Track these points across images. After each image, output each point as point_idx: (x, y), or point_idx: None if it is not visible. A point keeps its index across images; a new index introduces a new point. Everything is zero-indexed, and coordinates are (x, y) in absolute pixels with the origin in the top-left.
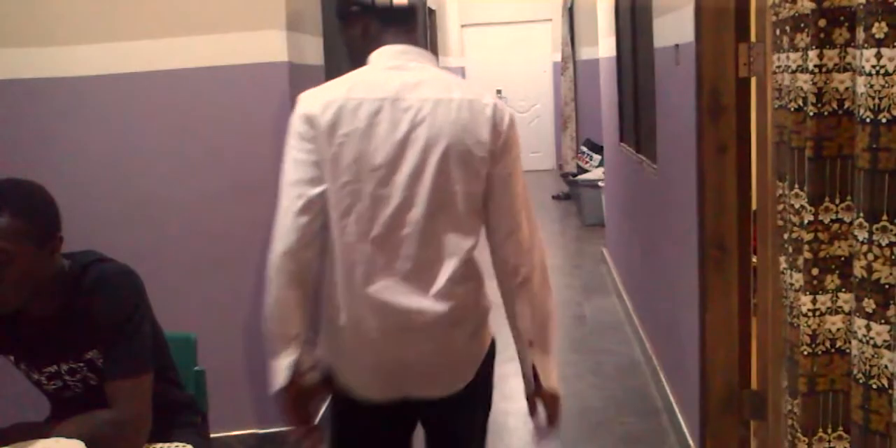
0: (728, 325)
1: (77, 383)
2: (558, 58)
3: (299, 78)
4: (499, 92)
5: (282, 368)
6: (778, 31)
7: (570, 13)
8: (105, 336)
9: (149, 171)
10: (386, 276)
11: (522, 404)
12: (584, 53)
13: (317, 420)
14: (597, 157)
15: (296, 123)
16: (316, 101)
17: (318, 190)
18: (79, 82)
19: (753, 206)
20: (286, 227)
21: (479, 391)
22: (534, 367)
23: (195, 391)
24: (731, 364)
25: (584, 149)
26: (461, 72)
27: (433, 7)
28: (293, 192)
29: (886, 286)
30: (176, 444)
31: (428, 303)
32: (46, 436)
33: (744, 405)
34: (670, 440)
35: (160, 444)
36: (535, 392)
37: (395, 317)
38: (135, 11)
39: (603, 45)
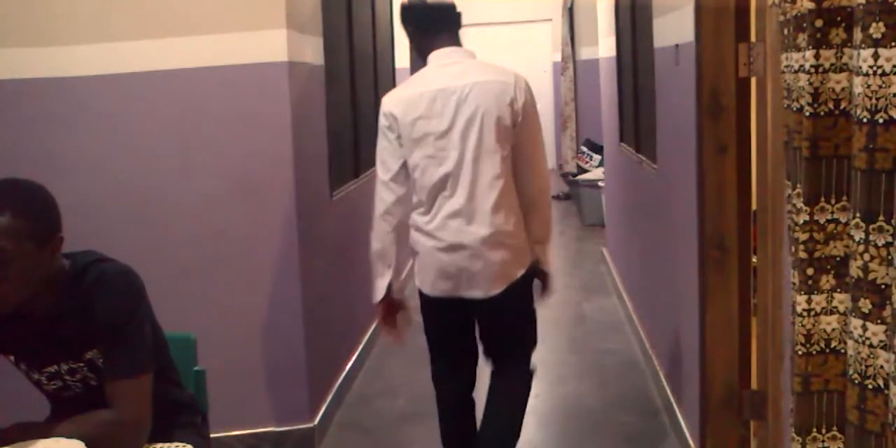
0: (728, 325)
1: (77, 383)
2: (558, 58)
3: (299, 78)
4: None
5: (381, 287)
6: (786, 31)
7: (570, 13)
8: (105, 336)
9: (148, 171)
10: (446, 211)
11: None
12: (584, 53)
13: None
14: (597, 157)
15: (381, 118)
16: (391, 100)
17: (401, 163)
18: (79, 82)
19: (753, 206)
20: (383, 193)
21: (512, 302)
22: (538, 258)
23: (195, 391)
24: (731, 364)
25: (584, 149)
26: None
27: None
28: (385, 168)
29: (883, 286)
30: (176, 444)
31: (473, 228)
32: (47, 436)
33: (744, 405)
34: (670, 440)
35: (160, 444)
36: (539, 273)
37: (451, 239)
38: (135, 11)
39: (603, 45)
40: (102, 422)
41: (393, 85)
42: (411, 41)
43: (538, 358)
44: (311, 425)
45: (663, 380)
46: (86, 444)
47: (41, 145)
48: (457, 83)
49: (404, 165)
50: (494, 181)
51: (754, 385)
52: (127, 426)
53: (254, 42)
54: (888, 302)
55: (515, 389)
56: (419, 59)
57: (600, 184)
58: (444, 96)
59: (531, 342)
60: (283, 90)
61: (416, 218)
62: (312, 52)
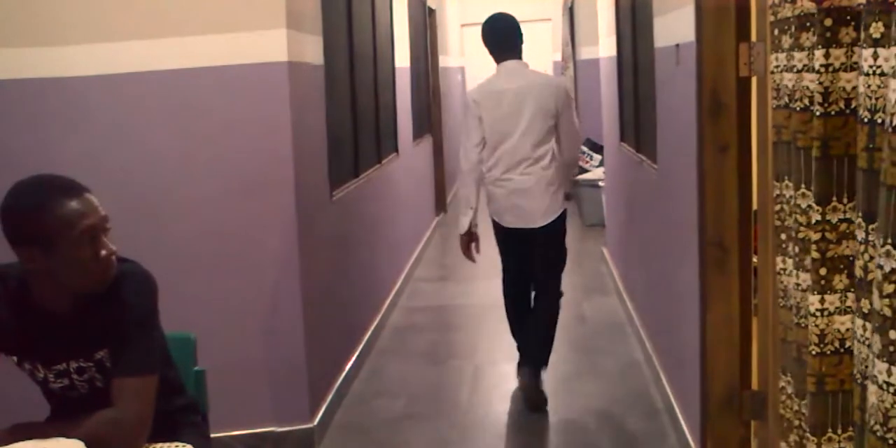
0: (728, 326)
1: (83, 383)
2: (558, 57)
3: (299, 78)
4: None
5: (465, 223)
6: (777, 31)
7: (570, 13)
8: (119, 333)
9: (148, 171)
10: (510, 167)
11: (521, 406)
12: (585, 53)
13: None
14: (597, 157)
15: (469, 103)
16: (477, 92)
17: (481, 136)
18: (78, 82)
19: (753, 206)
20: (469, 155)
21: (555, 229)
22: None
23: (195, 391)
24: (732, 364)
25: (585, 148)
26: (461, 71)
27: (433, 7)
28: (469, 138)
29: None
30: (176, 444)
31: (527, 178)
32: (48, 435)
33: (744, 405)
34: (670, 440)
35: (160, 444)
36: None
37: (514, 185)
38: (134, 12)
39: (603, 45)
40: (104, 420)
41: (393, 85)
42: (490, 52)
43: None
44: (311, 425)
45: (664, 380)
46: (86, 443)
47: (41, 145)
48: (518, 85)
49: (483, 137)
50: (541, 150)
51: (754, 385)
52: (128, 425)
53: (254, 42)
54: None
55: (551, 308)
56: (495, 62)
57: (600, 184)
58: (510, 94)
59: (563, 261)
60: (283, 90)
61: (490, 174)
62: (312, 52)
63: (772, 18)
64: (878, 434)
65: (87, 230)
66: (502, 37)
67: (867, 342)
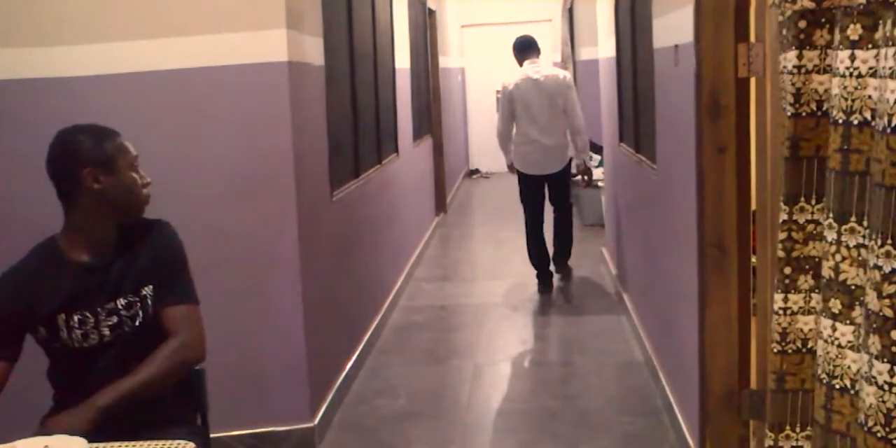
0: (727, 325)
1: (128, 320)
2: (558, 58)
3: (299, 78)
4: (499, 92)
5: (508, 159)
6: (784, 31)
7: (570, 13)
8: (166, 270)
9: (148, 171)
10: (534, 131)
11: (522, 405)
12: (584, 54)
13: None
14: (596, 158)
15: (503, 91)
16: (511, 82)
17: (512, 114)
18: (78, 82)
19: (753, 206)
20: (502, 127)
21: (565, 173)
22: (583, 162)
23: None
24: (731, 364)
25: None
26: (461, 72)
27: (433, 7)
28: (503, 116)
29: (853, 287)
30: (176, 442)
31: (547, 139)
32: (131, 392)
33: (743, 405)
34: (670, 440)
35: (160, 443)
36: (582, 169)
37: (536, 144)
38: (134, 11)
39: (602, 46)
40: (175, 348)
41: (393, 85)
42: (515, 56)
43: (540, 358)
44: (311, 425)
45: (663, 379)
46: (165, 379)
47: (41, 145)
48: (538, 76)
49: (513, 114)
50: (555, 122)
51: (754, 385)
52: (193, 347)
53: (254, 42)
54: (857, 303)
55: (568, 219)
56: (517, 64)
57: (600, 184)
58: (532, 83)
59: (569, 189)
60: (283, 90)
61: (518, 139)
62: (312, 52)
63: (780, 18)
64: (879, 435)
65: (133, 158)
66: (526, 46)
67: (836, 342)
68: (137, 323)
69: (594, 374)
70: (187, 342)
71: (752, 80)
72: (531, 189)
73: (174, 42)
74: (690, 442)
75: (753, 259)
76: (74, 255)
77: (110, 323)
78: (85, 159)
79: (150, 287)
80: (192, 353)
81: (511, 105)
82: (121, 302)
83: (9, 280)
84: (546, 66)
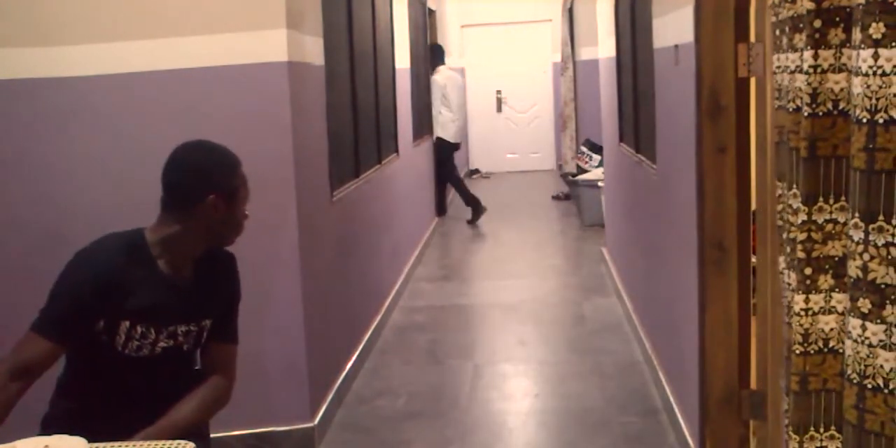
0: (728, 325)
1: (182, 345)
2: (558, 58)
3: (299, 78)
4: (499, 92)
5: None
6: (777, 32)
7: (570, 13)
8: (230, 306)
9: (148, 171)
10: (455, 114)
11: (522, 405)
12: (584, 54)
13: None
14: (596, 158)
15: (434, 84)
16: (441, 78)
17: (441, 99)
18: (78, 82)
19: (753, 206)
20: (439, 106)
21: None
22: None
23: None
24: (731, 364)
25: (584, 149)
26: (461, 72)
27: (433, 7)
28: (434, 97)
29: (882, 286)
30: (176, 442)
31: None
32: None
33: (743, 405)
34: (670, 440)
35: (160, 443)
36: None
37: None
38: (134, 11)
39: (602, 46)
40: (215, 388)
41: (393, 85)
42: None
43: (539, 358)
44: (311, 424)
45: (663, 380)
46: (206, 419)
47: (41, 145)
48: (447, 75)
49: (445, 100)
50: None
51: (754, 385)
52: (231, 387)
53: (254, 42)
54: (888, 301)
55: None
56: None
57: (600, 184)
58: (449, 78)
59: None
60: (283, 90)
61: (447, 114)
62: (312, 52)
63: (773, 19)
64: None
65: (248, 192)
66: (434, 51)
67: (867, 342)
68: (185, 349)
69: (594, 374)
70: (230, 384)
71: (752, 80)
72: (450, 151)
73: (174, 42)
74: (690, 442)
75: (753, 259)
76: (161, 264)
77: (166, 344)
78: (216, 185)
79: (209, 321)
80: (228, 397)
81: (440, 93)
82: (185, 328)
83: (97, 268)
84: (448, 67)
